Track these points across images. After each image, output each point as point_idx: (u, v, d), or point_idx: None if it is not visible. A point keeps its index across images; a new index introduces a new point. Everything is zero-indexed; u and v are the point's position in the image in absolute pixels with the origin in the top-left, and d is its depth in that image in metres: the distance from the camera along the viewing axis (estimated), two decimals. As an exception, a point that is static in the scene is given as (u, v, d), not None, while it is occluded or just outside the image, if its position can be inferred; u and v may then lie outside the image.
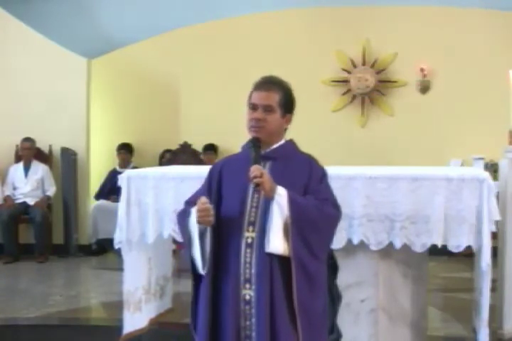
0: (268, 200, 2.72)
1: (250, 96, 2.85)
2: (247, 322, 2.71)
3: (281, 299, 2.69)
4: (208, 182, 2.92)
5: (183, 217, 2.84)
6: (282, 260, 2.70)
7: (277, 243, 2.68)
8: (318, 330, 2.77)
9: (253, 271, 2.71)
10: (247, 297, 2.71)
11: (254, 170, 2.66)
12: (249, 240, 2.73)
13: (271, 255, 2.71)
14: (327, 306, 2.89)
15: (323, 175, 2.85)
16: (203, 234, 2.76)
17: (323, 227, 2.76)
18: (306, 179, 2.79)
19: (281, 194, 2.68)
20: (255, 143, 2.79)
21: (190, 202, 2.89)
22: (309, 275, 2.71)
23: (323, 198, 2.77)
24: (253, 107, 2.81)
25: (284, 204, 2.68)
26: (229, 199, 2.81)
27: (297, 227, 2.67)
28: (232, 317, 2.72)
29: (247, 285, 2.72)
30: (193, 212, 2.75)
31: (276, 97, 2.80)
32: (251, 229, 2.73)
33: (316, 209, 2.72)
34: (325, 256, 2.82)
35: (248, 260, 2.72)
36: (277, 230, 2.68)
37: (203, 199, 2.73)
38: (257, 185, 2.65)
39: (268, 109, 2.79)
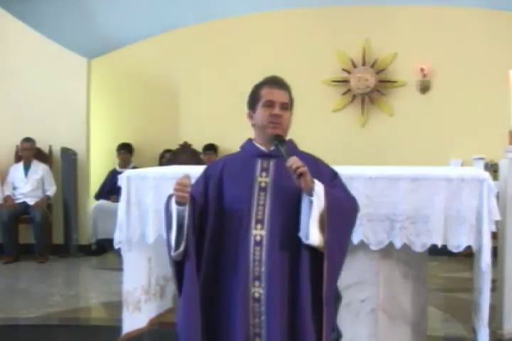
0: (275, 198, 2.75)
1: (258, 93, 2.86)
2: (256, 320, 2.72)
3: (304, 296, 2.71)
4: (203, 179, 2.91)
5: (166, 201, 2.83)
6: (292, 257, 2.72)
7: (315, 235, 2.69)
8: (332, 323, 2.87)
9: (263, 269, 2.72)
10: (257, 295, 2.72)
11: (294, 161, 2.67)
12: (258, 238, 2.74)
13: (283, 252, 2.72)
14: None
15: (333, 173, 2.90)
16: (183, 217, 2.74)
17: (352, 218, 2.83)
18: (316, 177, 2.79)
19: (319, 185, 2.71)
20: (280, 139, 2.81)
21: None
22: (334, 269, 2.75)
23: (345, 191, 2.85)
24: (270, 104, 2.83)
25: (321, 195, 2.70)
26: (233, 198, 2.81)
27: (332, 219, 2.70)
28: (241, 315, 2.72)
29: (256, 283, 2.72)
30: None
31: (288, 95, 2.88)
32: (259, 226, 2.75)
33: (346, 200, 2.80)
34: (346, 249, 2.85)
35: (257, 258, 2.73)
36: (316, 222, 2.69)
37: (186, 175, 2.73)
38: (300, 175, 2.65)
39: (285, 106, 2.85)
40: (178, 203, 2.73)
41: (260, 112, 2.84)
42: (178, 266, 2.80)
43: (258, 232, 2.75)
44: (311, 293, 2.72)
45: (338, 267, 2.77)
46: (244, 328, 2.72)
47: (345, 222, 2.78)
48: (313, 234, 2.69)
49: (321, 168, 2.86)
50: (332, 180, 2.85)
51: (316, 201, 2.69)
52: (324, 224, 2.69)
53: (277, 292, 2.71)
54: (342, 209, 2.76)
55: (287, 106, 2.85)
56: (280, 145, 2.78)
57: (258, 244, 2.74)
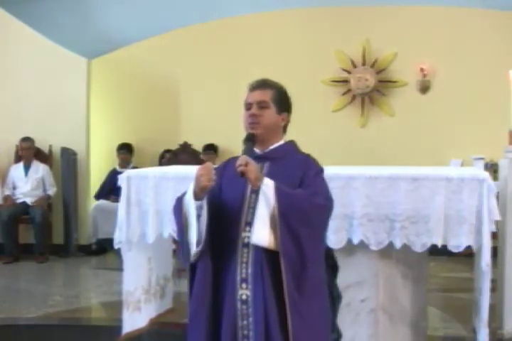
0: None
1: (245, 99, 2.92)
2: (244, 322, 2.70)
3: (271, 298, 2.67)
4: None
5: (178, 201, 2.82)
6: (274, 258, 2.67)
7: (262, 235, 2.64)
8: (316, 331, 2.72)
9: (249, 270, 2.71)
10: (244, 297, 2.70)
11: (241, 159, 2.68)
12: (246, 240, 2.72)
13: (263, 254, 2.69)
14: (328, 306, 2.86)
15: (318, 172, 2.84)
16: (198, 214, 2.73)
17: (314, 220, 2.70)
18: (301, 175, 2.79)
19: (268, 184, 2.67)
20: (249, 138, 2.83)
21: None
22: (296, 271, 2.66)
23: (314, 191, 2.73)
24: (249, 107, 2.86)
25: (270, 194, 2.65)
26: (227, 200, 2.81)
27: (285, 219, 2.63)
28: (229, 317, 2.71)
29: (244, 285, 2.71)
30: (190, 187, 2.74)
31: (269, 94, 2.86)
32: (248, 229, 2.73)
33: (306, 200, 2.68)
34: (316, 251, 2.75)
35: (245, 260, 2.72)
36: (262, 221, 2.64)
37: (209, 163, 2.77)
38: (243, 174, 2.65)
39: (262, 104, 2.84)
40: (196, 197, 2.71)
41: (243, 116, 2.89)
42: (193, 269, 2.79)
43: (246, 234, 2.72)
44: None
45: (298, 271, 2.65)
46: (232, 330, 2.69)
47: (304, 222, 2.65)
48: (258, 234, 2.64)
49: (308, 167, 2.83)
50: (313, 178, 2.79)
51: (263, 200, 2.65)
52: (276, 224, 2.63)
53: (260, 294, 2.67)
54: (298, 209, 2.65)
55: (266, 104, 2.84)
56: (244, 142, 2.81)
57: (246, 245, 2.72)
